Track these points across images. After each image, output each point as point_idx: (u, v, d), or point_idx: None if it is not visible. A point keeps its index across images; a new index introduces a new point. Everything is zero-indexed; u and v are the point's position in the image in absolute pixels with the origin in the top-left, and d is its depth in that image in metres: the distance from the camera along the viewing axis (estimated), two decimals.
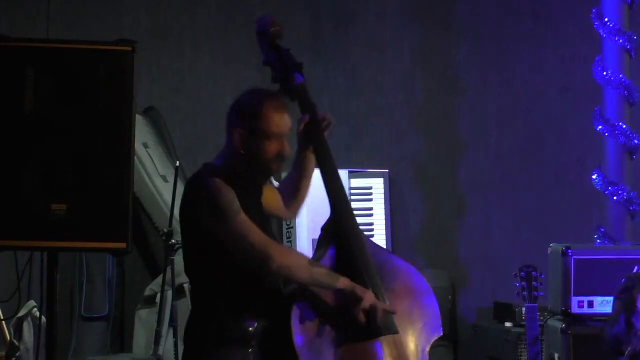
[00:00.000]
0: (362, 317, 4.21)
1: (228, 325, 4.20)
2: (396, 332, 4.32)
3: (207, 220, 4.14)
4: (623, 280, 5.31)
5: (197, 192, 4.21)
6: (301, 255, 4.30)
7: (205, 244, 4.20)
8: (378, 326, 4.26)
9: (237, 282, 4.20)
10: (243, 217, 4.13)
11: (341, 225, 4.39)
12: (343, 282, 4.21)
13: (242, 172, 4.28)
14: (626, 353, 5.08)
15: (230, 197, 4.12)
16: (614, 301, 5.28)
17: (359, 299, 4.20)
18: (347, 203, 4.48)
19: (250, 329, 4.20)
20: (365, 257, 4.36)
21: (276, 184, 4.71)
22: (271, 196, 4.50)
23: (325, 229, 4.43)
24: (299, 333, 4.19)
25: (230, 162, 4.27)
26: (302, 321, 4.21)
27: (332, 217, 4.42)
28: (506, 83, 7.96)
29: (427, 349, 4.46)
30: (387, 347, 4.32)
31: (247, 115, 4.24)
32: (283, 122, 4.24)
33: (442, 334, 4.58)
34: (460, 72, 7.99)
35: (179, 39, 7.82)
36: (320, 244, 4.41)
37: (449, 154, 7.96)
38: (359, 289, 4.22)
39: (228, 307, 4.20)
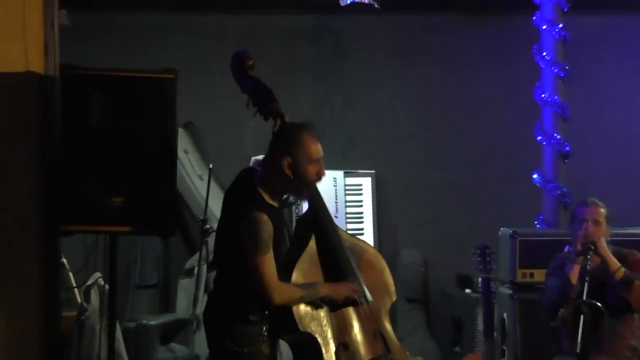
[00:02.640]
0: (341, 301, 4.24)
1: (250, 308, 4.13)
2: (369, 301, 4.33)
3: (246, 243, 4.07)
4: (554, 259, 5.35)
5: (245, 218, 4.08)
6: (294, 289, 4.17)
7: (237, 253, 4.12)
8: (355, 301, 4.29)
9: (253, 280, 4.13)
10: (269, 257, 4.07)
11: (320, 217, 4.35)
12: (323, 290, 4.20)
13: (285, 190, 4.24)
14: (559, 314, 5.11)
15: (268, 234, 4.06)
16: (547, 276, 5.30)
17: (336, 299, 4.23)
18: (322, 199, 4.40)
19: (267, 312, 4.16)
20: (341, 242, 4.35)
21: None
22: None
23: (302, 219, 4.46)
24: (299, 313, 4.19)
25: (274, 182, 4.18)
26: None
27: (310, 210, 4.38)
28: (469, 102, 7.91)
29: (388, 307, 4.47)
30: (363, 311, 4.32)
31: (292, 145, 4.16)
32: (318, 148, 4.19)
33: (410, 298, 4.59)
34: (433, 93, 7.95)
35: (209, 68, 7.79)
36: (299, 233, 4.39)
37: (423, 158, 7.93)
38: (335, 289, 4.23)
39: (249, 295, 4.13)
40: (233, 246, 4.13)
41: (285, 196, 4.30)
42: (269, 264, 4.07)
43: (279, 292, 4.10)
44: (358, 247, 4.49)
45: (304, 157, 4.15)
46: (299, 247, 4.32)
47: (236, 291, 4.15)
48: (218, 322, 4.16)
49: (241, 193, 4.20)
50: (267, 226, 4.05)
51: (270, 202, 4.17)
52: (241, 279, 4.12)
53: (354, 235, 4.69)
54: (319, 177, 4.23)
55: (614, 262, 5.01)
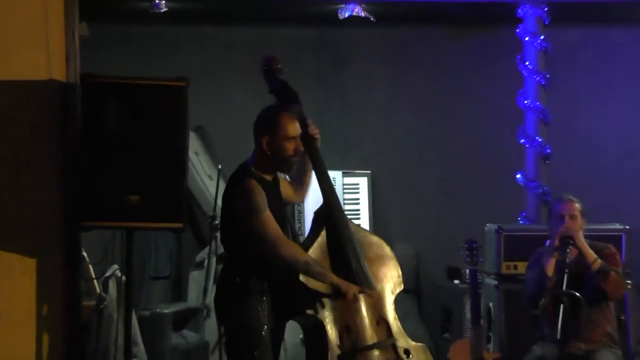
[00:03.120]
0: (349, 299, 4.23)
1: (251, 280, 4.18)
2: (373, 288, 4.33)
3: (242, 210, 4.13)
4: (534, 252, 5.32)
5: (237, 188, 4.19)
6: (301, 251, 4.22)
7: (238, 226, 4.18)
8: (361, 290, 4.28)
9: (257, 253, 4.18)
10: (267, 214, 4.12)
11: (331, 210, 4.37)
12: (332, 278, 4.21)
13: (270, 168, 4.28)
14: (540, 303, 5.11)
15: (261, 197, 4.12)
16: (527, 270, 5.30)
17: (344, 294, 4.20)
18: (335, 193, 4.44)
19: (265, 284, 4.19)
20: (349, 234, 4.36)
21: (288, 178, 4.72)
22: (286, 186, 4.49)
23: (317, 212, 4.44)
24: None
25: (260, 161, 4.25)
26: (306, 286, 4.20)
27: (324, 204, 4.39)
28: (457, 108, 7.90)
29: (393, 298, 4.47)
30: (367, 299, 4.32)
31: (269, 125, 4.23)
32: (295, 127, 4.25)
33: (403, 288, 4.59)
34: (424, 99, 7.95)
35: (219, 76, 7.82)
36: (314, 225, 4.41)
37: (415, 160, 7.92)
38: (344, 284, 4.21)
39: (250, 269, 4.18)
40: (234, 227, 4.19)
41: (271, 173, 4.32)
42: (270, 220, 4.11)
43: (286, 245, 4.13)
44: (367, 240, 4.50)
45: (279, 135, 4.21)
46: (313, 237, 4.35)
47: (235, 265, 4.22)
48: (224, 296, 4.22)
49: (233, 175, 4.28)
50: (257, 189, 4.11)
51: (264, 176, 4.23)
52: (239, 253, 4.19)
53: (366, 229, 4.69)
54: (296, 153, 4.26)
55: (591, 254, 5.03)
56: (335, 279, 4.21)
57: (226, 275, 4.27)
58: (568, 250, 4.98)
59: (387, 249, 4.58)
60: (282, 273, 4.24)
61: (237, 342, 4.20)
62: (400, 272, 4.54)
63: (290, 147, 4.23)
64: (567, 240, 5.01)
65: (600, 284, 5.00)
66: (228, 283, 4.24)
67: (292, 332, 4.69)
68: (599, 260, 5.03)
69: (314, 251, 4.28)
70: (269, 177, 4.27)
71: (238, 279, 4.19)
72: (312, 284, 4.20)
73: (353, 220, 4.64)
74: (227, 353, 4.32)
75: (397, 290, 4.50)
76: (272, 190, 4.26)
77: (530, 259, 5.32)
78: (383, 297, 4.42)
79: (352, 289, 4.23)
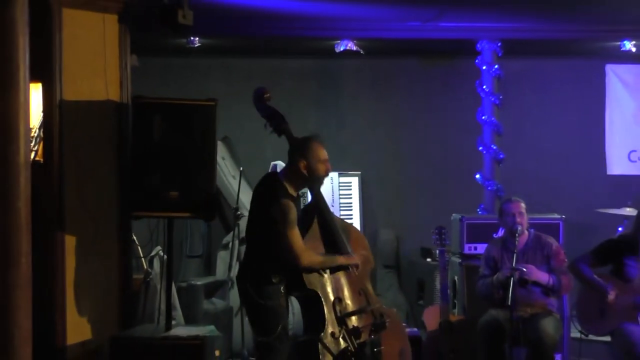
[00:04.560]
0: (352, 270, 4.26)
1: (272, 271, 4.10)
2: (357, 266, 4.33)
3: (280, 223, 4.02)
4: (486, 249, 5.19)
5: (275, 202, 4.04)
6: (316, 256, 4.17)
7: (268, 231, 4.07)
8: (351, 267, 4.29)
9: (276, 253, 4.11)
10: (296, 231, 4.06)
11: (319, 205, 4.34)
12: (340, 260, 4.22)
13: (302, 185, 4.23)
14: (494, 279, 4.97)
15: (294, 215, 4.05)
16: (480, 277, 5.15)
17: (347, 267, 4.24)
18: (322, 195, 4.37)
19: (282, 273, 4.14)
20: (336, 225, 4.35)
21: None
22: None
23: (306, 207, 4.42)
24: (308, 276, 4.16)
25: (294, 180, 4.16)
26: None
27: (314, 203, 4.36)
28: (428, 123, 7.85)
29: (369, 271, 4.48)
30: (352, 274, 4.31)
31: (305, 151, 4.16)
32: (324, 152, 4.21)
33: (386, 264, 4.59)
34: (402, 116, 7.90)
35: (241, 97, 7.75)
36: (305, 217, 4.31)
37: (395, 164, 7.89)
38: (347, 260, 4.24)
39: (272, 262, 4.11)
40: (262, 226, 4.10)
41: (302, 189, 4.29)
42: (297, 236, 4.06)
43: (306, 256, 4.09)
44: (347, 227, 4.49)
45: (314, 159, 4.15)
46: (306, 227, 4.29)
47: (262, 259, 4.13)
48: (248, 282, 4.13)
49: (269, 188, 4.17)
50: (292, 209, 4.04)
51: (292, 192, 4.16)
52: (266, 251, 4.10)
53: (344, 219, 4.68)
54: (327, 172, 4.23)
55: (545, 279, 4.91)
56: (341, 259, 4.24)
57: (249, 267, 4.18)
58: (516, 242, 4.86)
59: (362, 236, 4.59)
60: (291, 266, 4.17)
61: (264, 316, 4.10)
62: (371, 253, 4.53)
63: (322, 168, 4.19)
64: (524, 280, 4.84)
65: (555, 291, 4.96)
66: (253, 268, 4.15)
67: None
68: (552, 278, 4.92)
69: (309, 238, 4.23)
70: (295, 194, 4.20)
71: (255, 265, 4.13)
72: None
73: (346, 211, 4.64)
74: (254, 322, 4.19)
75: (371, 267, 4.53)
76: (297, 205, 4.19)
77: (483, 255, 5.21)
78: (362, 273, 4.40)
79: (353, 260, 4.27)
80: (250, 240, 4.23)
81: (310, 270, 4.14)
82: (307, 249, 4.12)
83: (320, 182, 4.27)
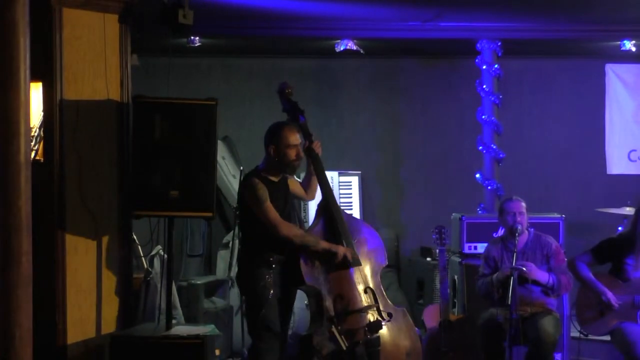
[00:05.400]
0: (338, 260, 4.25)
1: (260, 256, 4.22)
2: (359, 265, 4.35)
3: (250, 201, 4.20)
4: (486, 250, 5.17)
5: (247, 185, 4.24)
6: (297, 230, 4.27)
7: (248, 213, 4.24)
8: (349, 262, 4.29)
9: (264, 234, 4.21)
10: (268, 204, 4.16)
11: (328, 203, 4.39)
12: (323, 244, 4.24)
13: (277, 170, 4.30)
14: (493, 278, 4.97)
15: (263, 191, 4.17)
16: (480, 270, 5.14)
17: (334, 253, 4.24)
18: (331, 190, 4.45)
19: (271, 259, 4.23)
20: (342, 221, 4.38)
21: (298, 179, 4.72)
22: (296, 185, 4.51)
23: (319, 205, 4.45)
24: (305, 271, 4.22)
25: (268, 166, 4.30)
26: (305, 263, 4.25)
27: (323, 199, 4.41)
28: (428, 122, 7.86)
29: (379, 273, 4.48)
30: (356, 272, 4.33)
31: (275, 137, 4.27)
32: (295, 137, 4.28)
33: (387, 263, 4.60)
34: (401, 115, 7.91)
35: (241, 97, 7.80)
36: (317, 214, 4.43)
37: (395, 163, 7.89)
38: (334, 247, 4.24)
39: (260, 247, 4.23)
40: (242, 212, 4.28)
41: (278, 174, 4.33)
42: (270, 209, 4.17)
43: (283, 226, 4.18)
44: (357, 225, 4.51)
45: (283, 144, 4.24)
46: (316, 223, 4.39)
47: (247, 244, 4.31)
48: (241, 271, 4.31)
49: (245, 175, 4.36)
50: (260, 186, 4.18)
51: (272, 178, 4.27)
52: (249, 234, 4.27)
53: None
54: (298, 157, 4.28)
55: (545, 279, 4.90)
56: (325, 244, 4.25)
57: (241, 254, 4.35)
58: (516, 241, 4.86)
59: (373, 233, 4.57)
60: (291, 251, 4.25)
61: (250, 305, 4.27)
62: (384, 251, 4.53)
63: (292, 153, 4.25)
64: (524, 278, 4.83)
65: (554, 291, 4.95)
66: (243, 260, 4.34)
67: (298, 299, 4.69)
68: (552, 278, 4.92)
69: (316, 233, 4.31)
70: (275, 178, 4.30)
71: (249, 256, 4.25)
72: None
73: (347, 210, 4.63)
74: (245, 315, 4.39)
75: (381, 266, 4.51)
76: (277, 188, 4.27)
77: (483, 255, 5.19)
78: (368, 272, 4.41)
79: (340, 249, 4.26)
80: (242, 232, 4.42)
81: (292, 239, 4.17)
82: (285, 222, 4.19)
83: (293, 167, 4.31)
